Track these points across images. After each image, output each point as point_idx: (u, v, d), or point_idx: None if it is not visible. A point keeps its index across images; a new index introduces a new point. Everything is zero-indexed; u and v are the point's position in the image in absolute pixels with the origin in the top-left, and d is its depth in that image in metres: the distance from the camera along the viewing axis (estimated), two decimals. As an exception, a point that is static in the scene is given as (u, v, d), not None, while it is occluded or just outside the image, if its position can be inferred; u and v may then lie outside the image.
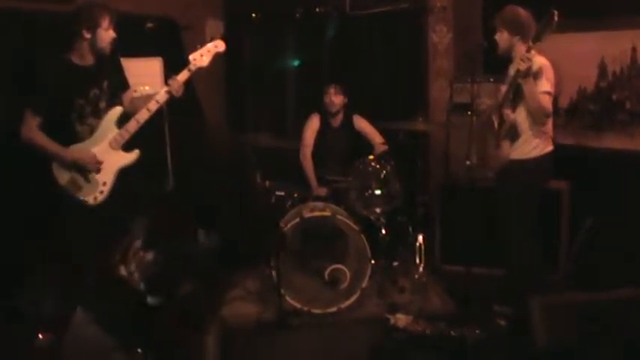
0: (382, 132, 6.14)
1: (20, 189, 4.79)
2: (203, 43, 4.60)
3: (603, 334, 3.25)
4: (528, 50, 4.24)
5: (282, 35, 7.15)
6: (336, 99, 6.06)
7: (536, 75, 4.35)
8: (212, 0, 6.84)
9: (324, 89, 6.11)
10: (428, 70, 6.63)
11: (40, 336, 4.35)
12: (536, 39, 4.20)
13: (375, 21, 6.75)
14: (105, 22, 4.30)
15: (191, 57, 4.54)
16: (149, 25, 5.58)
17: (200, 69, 4.57)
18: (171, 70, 5.28)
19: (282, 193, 5.58)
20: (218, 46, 4.63)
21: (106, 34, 4.33)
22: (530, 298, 3.48)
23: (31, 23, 4.94)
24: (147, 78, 5.08)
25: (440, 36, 6.51)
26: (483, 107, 5.57)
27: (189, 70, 4.51)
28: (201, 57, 4.55)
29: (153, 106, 4.43)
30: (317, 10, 6.83)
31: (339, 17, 6.88)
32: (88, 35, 4.28)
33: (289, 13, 6.88)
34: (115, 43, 4.41)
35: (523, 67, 4.27)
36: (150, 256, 4.18)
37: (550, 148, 4.62)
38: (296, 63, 7.24)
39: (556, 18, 4.02)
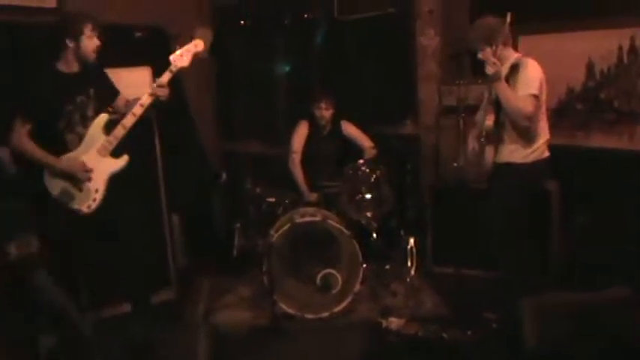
0: (372, 136, 6.15)
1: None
2: (182, 45, 4.61)
3: (594, 335, 3.26)
4: (494, 54, 4.25)
5: (272, 42, 7.16)
6: (326, 113, 6.08)
7: (519, 77, 4.35)
8: (201, 8, 6.83)
9: (313, 102, 6.10)
10: (417, 73, 6.64)
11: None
12: (496, 44, 4.24)
13: (363, 26, 6.75)
14: (87, 30, 4.30)
15: (171, 58, 4.54)
16: (138, 34, 5.59)
17: (182, 69, 4.57)
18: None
19: (273, 200, 5.58)
20: (197, 45, 4.63)
21: (90, 43, 4.33)
22: (524, 299, 3.49)
23: (18, 34, 4.97)
24: (137, 87, 5.06)
25: (428, 39, 6.52)
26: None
27: (170, 72, 4.52)
28: (182, 57, 4.55)
29: (138, 110, 4.44)
30: (305, 16, 6.85)
31: (327, 23, 6.89)
32: (71, 44, 4.30)
33: (278, 19, 6.90)
34: (101, 50, 4.42)
35: (491, 71, 4.27)
36: None
37: (547, 154, 4.59)
38: (286, 69, 7.25)
39: (508, 19, 4.04)
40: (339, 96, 6.13)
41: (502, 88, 4.33)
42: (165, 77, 4.51)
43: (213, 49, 6.78)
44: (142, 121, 4.77)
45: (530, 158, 4.50)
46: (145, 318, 4.80)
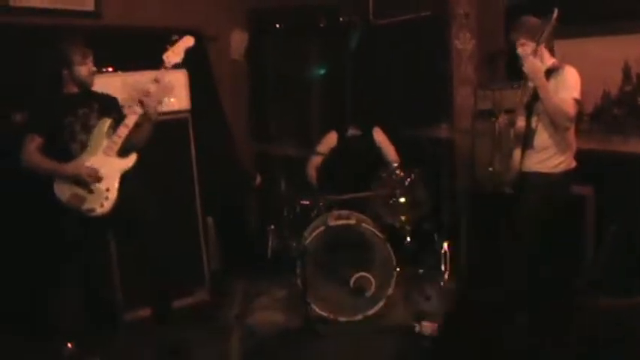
0: (407, 139, 6.15)
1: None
2: (173, 43, 4.72)
3: (628, 341, 3.24)
4: (535, 53, 4.20)
5: (307, 45, 7.18)
6: (355, 136, 6.15)
7: (563, 83, 4.30)
8: (236, 11, 6.88)
9: (344, 127, 6.21)
10: (452, 77, 6.62)
11: (69, 345, 4.43)
12: (540, 40, 4.18)
13: (398, 29, 6.74)
14: (78, 58, 4.48)
15: (164, 57, 4.66)
16: (174, 37, 5.65)
17: (176, 65, 4.70)
18: (196, 81, 5.37)
19: (308, 202, 5.60)
20: (187, 41, 4.75)
21: (83, 69, 4.51)
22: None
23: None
24: (173, 90, 5.16)
25: (463, 42, 6.49)
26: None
27: (165, 68, 4.65)
28: (174, 54, 4.68)
29: (137, 110, 4.57)
30: (341, 19, 6.86)
31: (362, 26, 6.89)
32: (66, 72, 4.50)
33: (313, 23, 6.91)
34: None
35: (528, 69, 4.21)
36: None
37: (574, 164, 4.55)
38: (320, 72, 7.27)
39: (555, 15, 3.99)
40: (374, 99, 6.13)
41: (544, 88, 4.26)
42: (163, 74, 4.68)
43: (247, 52, 6.85)
44: (176, 125, 4.85)
45: (560, 168, 4.46)
46: (171, 322, 4.85)
